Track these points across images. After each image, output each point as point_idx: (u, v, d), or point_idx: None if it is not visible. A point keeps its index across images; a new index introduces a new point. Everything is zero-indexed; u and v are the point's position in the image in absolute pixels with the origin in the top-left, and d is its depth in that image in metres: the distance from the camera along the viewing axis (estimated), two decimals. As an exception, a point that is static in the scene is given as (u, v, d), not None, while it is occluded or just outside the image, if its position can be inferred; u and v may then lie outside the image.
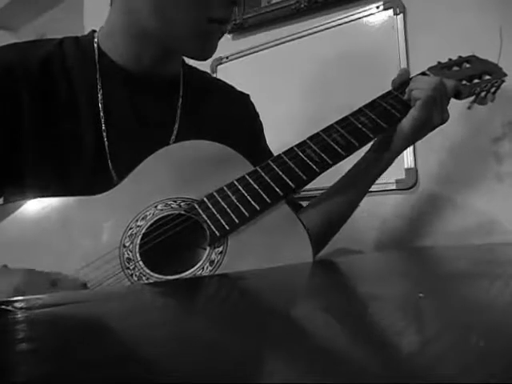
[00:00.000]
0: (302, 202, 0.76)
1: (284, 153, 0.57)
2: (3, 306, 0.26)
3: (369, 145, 0.61)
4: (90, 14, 1.47)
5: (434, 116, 0.60)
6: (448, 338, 0.20)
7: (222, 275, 0.47)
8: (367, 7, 0.95)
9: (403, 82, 0.64)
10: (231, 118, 0.71)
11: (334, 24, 0.99)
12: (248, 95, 0.78)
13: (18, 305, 0.27)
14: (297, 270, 0.46)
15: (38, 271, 0.44)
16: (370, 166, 0.64)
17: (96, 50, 0.62)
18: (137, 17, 0.58)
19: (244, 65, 1.12)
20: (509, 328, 0.21)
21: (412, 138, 0.62)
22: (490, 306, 0.26)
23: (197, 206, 0.52)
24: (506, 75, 0.68)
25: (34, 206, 0.51)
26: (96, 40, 0.63)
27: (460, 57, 0.71)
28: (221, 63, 1.16)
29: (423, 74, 0.66)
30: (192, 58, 0.63)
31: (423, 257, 0.61)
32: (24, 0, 1.95)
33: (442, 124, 0.62)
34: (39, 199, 0.52)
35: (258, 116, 0.78)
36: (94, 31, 0.65)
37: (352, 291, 0.35)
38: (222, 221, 0.51)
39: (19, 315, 0.24)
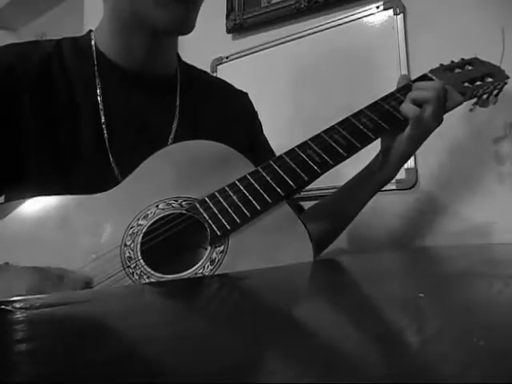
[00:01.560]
0: (302, 203, 0.76)
1: (285, 153, 0.57)
2: (3, 306, 0.26)
3: (371, 145, 0.61)
4: (89, 13, 1.47)
5: (430, 126, 0.61)
6: (448, 338, 0.20)
7: (223, 275, 0.47)
8: (367, 7, 0.95)
9: (405, 84, 0.64)
10: (230, 115, 0.72)
11: (334, 24, 0.99)
12: (246, 93, 0.78)
13: (17, 305, 0.27)
14: (297, 269, 0.46)
15: (41, 268, 0.43)
16: (370, 179, 0.65)
17: (93, 49, 0.64)
18: (117, 10, 0.60)
19: (244, 65, 1.12)
20: (509, 328, 0.21)
21: (407, 152, 0.63)
22: (490, 306, 0.26)
23: (198, 206, 0.52)
24: (508, 77, 0.68)
25: (35, 205, 0.51)
26: (93, 39, 0.65)
27: (462, 59, 0.71)
28: (221, 63, 1.16)
29: (425, 76, 0.66)
30: (169, 32, 0.62)
31: (423, 257, 0.61)
32: (24, 0, 1.95)
33: (436, 128, 0.63)
34: (40, 198, 0.52)
35: (257, 113, 0.79)
36: (90, 31, 0.66)
37: (352, 291, 0.35)
38: (223, 220, 0.51)
39: (19, 315, 0.24)
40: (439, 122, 0.62)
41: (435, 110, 0.59)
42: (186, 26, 0.59)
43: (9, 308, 0.25)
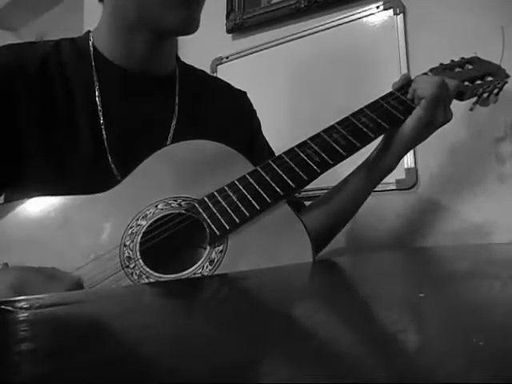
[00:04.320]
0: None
1: (285, 153, 0.57)
2: (3, 306, 0.26)
3: (370, 145, 0.61)
4: (89, 14, 1.47)
5: (438, 115, 0.60)
6: (448, 338, 0.20)
7: (222, 275, 0.47)
8: (367, 7, 0.95)
9: (404, 83, 0.64)
10: (228, 114, 0.72)
11: (334, 24, 0.99)
12: (245, 92, 0.78)
13: (18, 305, 0.27)
14: (297, 270, 0.46)
15: (32, 268, 0.43)
16: (373, 167, 0.64)
17: (91, 49, 0.64)
18: (120, 11, 0.60)
19: (244, 65, 1.12)
20: (509, 328, 0.21)
21: (416, 139, 0.62)
22: (490, 306, 0.26)
23: (197, 205, 0.52)
24: (508, 76, 0.68)
25: (35, 205, 0.51)
26: (91, 39, 0.65)
27: (462, 58, 0.70)
28: (221, 63, 1.16)
29: (425, 75, 0.66)
30: (176, 32, 0.62)
31: (423, 257, 0.61)
32: (24, 0, 1.95)
33: (445, 123, 0.62)
34: (40, 198, 0.52)
35: (255, 112, 0.79)
36: (89, 31, 0.67)
37: (352, 291, 0.35)
38: (222, 220, 0.51)
39: (19, 315, 0.24)
40: (447, 118, 0.62)
41: (431, 102, 0.59)
42: (193, 26, 0.61)
43: (9, 308, 0.25)
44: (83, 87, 0.61)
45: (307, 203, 0.74)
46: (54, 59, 0.61)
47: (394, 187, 0.87)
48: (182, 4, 0.58)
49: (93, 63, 0.63)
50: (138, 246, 0.49)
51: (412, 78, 0.66)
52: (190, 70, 0.74)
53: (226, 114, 0.71)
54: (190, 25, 0.60)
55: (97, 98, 0.61)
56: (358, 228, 0.73)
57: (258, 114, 0.79)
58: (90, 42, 0.64)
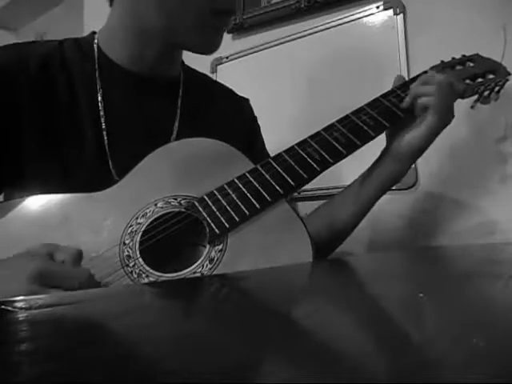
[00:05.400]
0: (302, 202, 0.76)
1: (285, 151, 0.57)
2: (3, 306, 0.26)
3: (371, 143, 0.60)
4: (90, 14, 1.47)
5: (446, 121, 0.59)
6: (448, 338, 0.20)
7: (221, 275, 0.47)
8: (367, 7, 0.95)
9: (404, 82, 0.64)
10: (230, 119, 0.72)
11: (333, 24, 0.99)
12: (247, 99, 0.79)
13: (18, 305, 0.27)
14: (297, 269, 0.46)
15: (35, 252, 0.42)
16: (378, 179, 0.64)
17: (96, 51, 0.63)
18: (140, 17, 0.59)
19: (244, 65, 1.12)
20: (509, 328, 0.21)
21: (426, 147, 0.61)
22: (491, 306, 0.26)
23: (197, 204, 0.52)
24: (509, 74, 0.68)
25: (35, 203, 0.51)
26: (96, 41, 0.64)
27: (463, 56, 0.70)
28: (221, 63, 1.16)
29: (426, 73, 0.66)
30: (198, 52, 0.62)
31: (423, 257, 0.61)
32: (24, 0, 1.95)
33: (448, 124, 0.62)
34: (40, 196, 0.52)
35: (256, 119, 0.79)
36: (94, 32, 0.66)
37: (352, 291, 0.35)
38: (221, 218, 0.51)
39: (19, 315, 0.24)
40: (449, 121, 0.61)
41: (438, 113, 0.58)
42: (215, 48, 0.62)
43: (9, 308, 0.25)
44: (86, 88, 0.60)
45: (307, 203, 0.74)
46: (57, 59, 0.60)
47: (393, 187, 0.87)
48: (216, 29, 0.59)
49: (96, 64, 0.62)
50: (137, 244, 0.49)
51: (413, 76, 0.66)
52: (194, 74, 0.74)
53: (227, 118, 0.71)
54: (214, 47, 0.61)
55: (99, 100, 0.60)
56: (357, 228, 0.73)
57: (258, 114, 0.79)
58: (95, 43, 0.63)
